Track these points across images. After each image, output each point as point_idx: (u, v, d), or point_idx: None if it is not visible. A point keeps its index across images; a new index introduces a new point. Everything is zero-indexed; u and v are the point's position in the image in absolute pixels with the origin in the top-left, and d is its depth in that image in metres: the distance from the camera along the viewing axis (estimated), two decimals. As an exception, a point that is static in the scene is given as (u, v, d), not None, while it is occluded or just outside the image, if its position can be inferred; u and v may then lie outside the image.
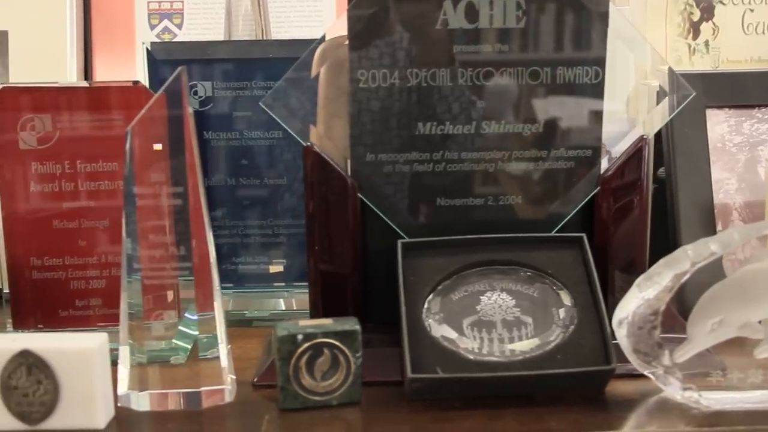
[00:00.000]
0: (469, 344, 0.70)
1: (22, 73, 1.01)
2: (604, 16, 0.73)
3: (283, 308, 0.93)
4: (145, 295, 0.68)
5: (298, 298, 0.93)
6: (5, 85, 0.78)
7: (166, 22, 1.04)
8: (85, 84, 0.79)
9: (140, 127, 0.66)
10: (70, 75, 1.00)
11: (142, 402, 0.68)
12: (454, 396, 0.68)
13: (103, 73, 1.03)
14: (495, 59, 0.73)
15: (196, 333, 0.68)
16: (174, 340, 0.69)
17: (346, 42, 0.73)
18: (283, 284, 0.94)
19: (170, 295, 0.68)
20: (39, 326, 0.81)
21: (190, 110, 0.66)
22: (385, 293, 0.75)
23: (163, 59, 0.87)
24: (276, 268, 0.94)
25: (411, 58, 0.73)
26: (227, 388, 0.69)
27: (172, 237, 0.67)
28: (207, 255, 0.68)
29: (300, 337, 0.66)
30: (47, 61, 1.01)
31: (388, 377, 0.71)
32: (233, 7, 0.93)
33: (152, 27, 1.04)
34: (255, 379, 0.72)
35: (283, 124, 0.74)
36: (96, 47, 1.03)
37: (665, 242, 0.85)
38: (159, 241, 0.67)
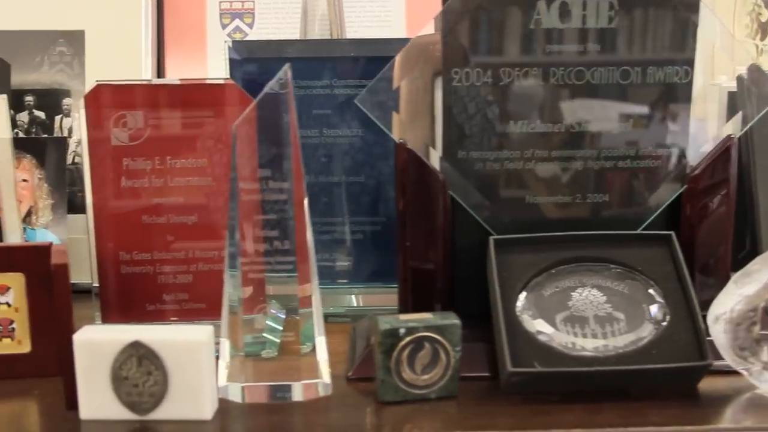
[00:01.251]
0: (563, 339, 0.71)
1: (98, 71, 1.02)
2: (695, 16, 0.74)
3: (355, 305, 0.94)
4: (247, 288, 0.69)
5: (365, 295, 0.94)
6: (99, 83, 0.79)
7: (237, 22, 1.05)
8: (177, 81, 0.80)
9: (246, 124, 0.67)
10: (145, 74, 1.02)
11: (242, 394, 0.69)
12: (550, 390, 0.69)
13: (174, 73, 1.04)
14: (586, 59, 0.74)
15: (295, 327, 0.69)
16: (267, 334, 0.70)
17: (433, 41, 0.75)
18: (346, 281, 0.95)
19: (272, 289, 0.69)
20: (126, 320, 0.82)
21: (293, 108, 0.67)
22: (470, 289, 0.77)
23: (244, 58, 0.88)
24: (341, 264, 0.95)
25: (504, 57, 0.74)
26: (325, 381, 0.70)
27: (276, 231, 0.68)
28: (308, 250, 0.69)
29: (402, 330, 0.67)
30: (122, 59, 1.02)
31: (478, 372, 0.72)
32: (309, 7, 0.94)
33: (224, 26, 1.05)
34: (349, 373, 0.74)
35: (377, 122, 0.75)
36: (168, 46, 1.04)
37: (741, 239, 0.86)
38: (263, 236, 0.68)
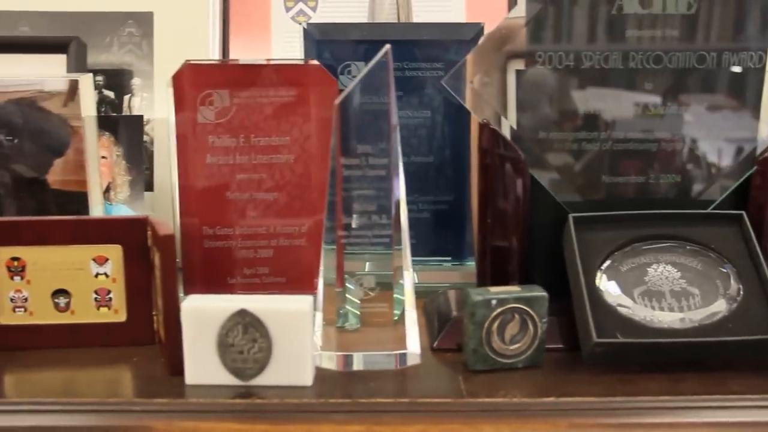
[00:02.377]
0: (642, 312, 0.74)
1: (166, 53, 1.04)
2: (768, 4, 0.77)
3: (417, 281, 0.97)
4: (343, 261, 0.72)
5: (423, 272, 0.97)
6: (188, 62, 0.81)
7: (301, 5, 1.08)
8: (262, 61, 0.82)
9: (346, 102, 0.70)
10: (212, 55, 1.04)
11: (337, 362, 0.72)
12: (632, 360, 0.72)
13: (239, 54, 1.06)
14: (665, 44, 0.77)
15: (388, 299, 0.72)
16: (352, 307, 0.73)
17: (512, 26, 0.77)
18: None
19: (367, 262, 0.72)
20: (208, 293, 0.85)
21: (393, 88, 0.70)
22: (543, 264, 0.80)
23: (320, 39, 0.90)
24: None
25: (586, 41, 0.77)
26: (415, 351, 0.73)
27: (374, 206, 0.71)
28: (403, 225, 0.72)
29: (494, 302, 0.70)
30: (189, 41, 1.04)
31: (553, 344, 0.75)
32: (377, -9, 0.97)
33: (287, 9, 1.07)
34: (435, 344, 0.77)
35: (462, 103, 0.78)
36: (233, 29, 1.07)
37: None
38: (361, 210, 0.71)
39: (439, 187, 0.94)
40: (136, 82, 1.04)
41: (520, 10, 0.76)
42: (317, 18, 1.07)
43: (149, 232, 0.75)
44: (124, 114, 1.01)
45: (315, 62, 0.82)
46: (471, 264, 0.96)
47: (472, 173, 0.85)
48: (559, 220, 0.79)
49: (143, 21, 1.04)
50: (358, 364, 0.72)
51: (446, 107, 0.92)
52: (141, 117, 0.97)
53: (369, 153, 0.70)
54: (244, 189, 0.84)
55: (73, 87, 0.83)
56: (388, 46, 0.69)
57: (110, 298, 0.77)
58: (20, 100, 0.83)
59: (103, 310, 0.77)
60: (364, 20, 1.05)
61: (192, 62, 0.82)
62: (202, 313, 0.68)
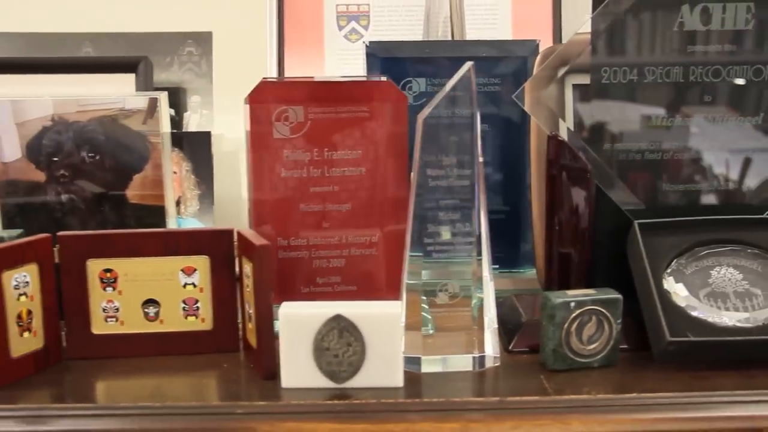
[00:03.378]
0: (709, 312, 0.77)
1: (225, 71, 1.08)
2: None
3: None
4: (427, 269, 0.75)
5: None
6: (264, 79, 0.85)
7: (353, 24, 1.11)
8: (336, 78, 0.86)
9: (431, 116, 0.73)
10: (269, 73, 1.07)
11: (423, 365, 0.75)
12: (701, 358, 0.76)
13: (294, 72, 1.10)
14: (723, 58, 0.81)
15: (470, 304, 0.76)
16: (427, 314, 0.77)
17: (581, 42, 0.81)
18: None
19: (450, 269, 0.75)
20: (281, 302, 0.88)
21: (476, 102, 0.73)
22: (606, 269, 0.84)
23: (382, 57, 0.94)
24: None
25: (649, 56, 0.81)
26: (495, 354, 0.76)
27: (458, 215, 0.74)
28: (484, 234, 0.75)
29: (573, 304, 0.74)
30: (247, 59, 1.08)
31: (621, 344, 0.79)
32: (433, 10, 1.00)
33: (340, 28, 1.11)
34: (510, 346, 0.80)
35: (533, 116, 0.82)
36: (287, 47, 1.10)
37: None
38: (446, 219, 0.74)
39: (496, 199, 0.98)
40: (195, 99, 1.07)
41: (586, 27, 0.80)
42: (369, 36, 1.11)
43: (236, 243, 0.79)
44: (189, 130, 1.04)
45: (386, 79, 0.86)
46: (524, 271, 1.00)
47: (532, 184, 0.90)
48: (620, 227, 0.83)
49: (202, 40, 1.08)
50: (441, 366, 0.75)
51: (503, 121, 0.96)
52: (209, 133, 1.00)
53: (453, 164, 0.74)
54: (317, 201, 0.87)
55: (153, 105, 0.87)
56: (470, 63, 0.73)
57: (197, 307, 0.80)
58: (103, 118, 0.86)
59: (191, 318, 0.80)
60: (416, 38, 1.09)
61: (268, 80, 0.85)
62: (300, 319, 0.71)
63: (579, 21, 1.11)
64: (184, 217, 0.97)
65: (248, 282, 0.76)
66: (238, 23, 1.08)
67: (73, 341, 0.79)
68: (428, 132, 0.73)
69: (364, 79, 0.87)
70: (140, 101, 0.87)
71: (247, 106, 0.85)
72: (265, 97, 0.85)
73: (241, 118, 1.09)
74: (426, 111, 0.73)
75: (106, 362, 0.79)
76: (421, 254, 0.75)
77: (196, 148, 0.97)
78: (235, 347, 0.81)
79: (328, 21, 1.11)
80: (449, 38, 1.02)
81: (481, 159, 0.74)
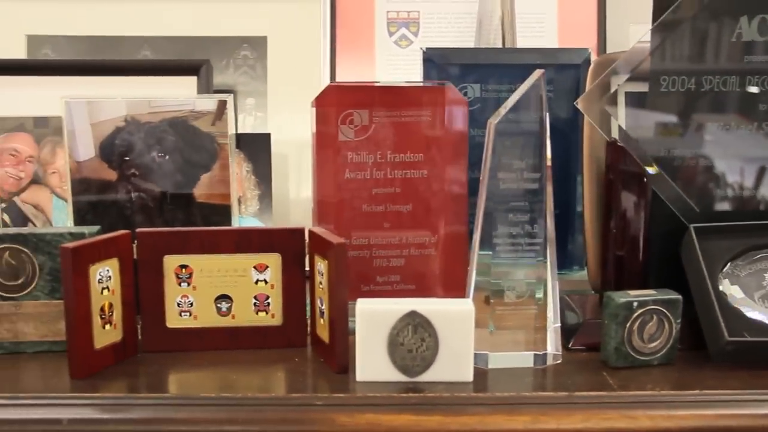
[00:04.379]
0: (764, 313, 0.80)
1: (279, 74, 1.11)
2: None
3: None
4: (496, 268, 0.78)
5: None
6: (331, 83, 0.88)
7: (403, 30, 1.14)
8: (400, 83, 0.89)
9: (502, 122, 0.76)
10: (323, 77, 1.10)
11: (490, 361, 0.78)
12: (756, 358, 0.79)
13: (345, 75, 1.12)
14: (779, 68, 0.84)
15: (535, 303, 0.79)
16: (491, 313, 0.79)
17: (640, 50, 0.84)
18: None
19: (517, 270, 0.78)
20: (342, 299, 0.91)
21: (545, 108, 0.76)
22: (658, 270, 0.87)
23: (440, 63, 0.97)
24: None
25: (707, 65, 0.84)
26: (557, 351, 0.79)
27: (527, 217, 0.77)
28: (551, 236, 0.78)
29: (635, 304, 0.77)
30: (301, 63, 1.10)
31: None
32: (485, 18, 1.03)
33: (390, 34, 1.14)
34: (570, 344, 0.83)
35: (592, 123, 0.84)
36: (339, 52, 1.13)
37: None
38: (515, 221, 0.77)
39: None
40: (249, 102, 1.10)
41: (646, 36, 0.83)
42: (419, 42, 1.14)
43: (307, 241, 0.82)
44: (245, 132, 1.07)
45: (449, 84, 0.89)
46: (571, 272, 1.03)
47: (585, 188, 0.92)
48: (672, 230, 0.86)
49: (257, 44, 1.11)
50: (505, 363, 0.78)
51: (553, 127, 0.98)
52: (268, 135, 1.03)
53: (523, 168, 0.76)
54: (379, 202, 0.90)
55: (222, 107, 0.89)
56: (541, 71, 0.76)
57: (268, 303, 0.83)
58: (173, 119, 0.89)
59: (262, 314, 0.83)
60: (464, 44, 1.12)
61: (335, 84, 0.88)
62: (376, 315, 0.74)
63: (624, 29, 1.14)
64: (244, 216, 1.00)
65: (321, 279, 0.79)
66: (292, 28, 1.11)
67: (148, 334, 0.82)
68: (499, 137, 0.76)
69: (427, 84, 0.90)
70: (209, 103, 0.89)
71: (314, 109, 0.88)
72: (332, 101, 0.88)
73: (294, 121, 1.12)
74: (497, 116, 0.76)
75: (179, 355, 0.81)
76: (489, 254, 0.77)
77: (256, 149, 1.00)
78: (303, 342, 0.84)
79: (378, 27, 1.14)
80: (500, 45, 1.05)
81: (549, 163, 0.77)
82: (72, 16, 1.11)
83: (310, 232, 0.82)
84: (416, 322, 0.74)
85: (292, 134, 1.09)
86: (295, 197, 1.09)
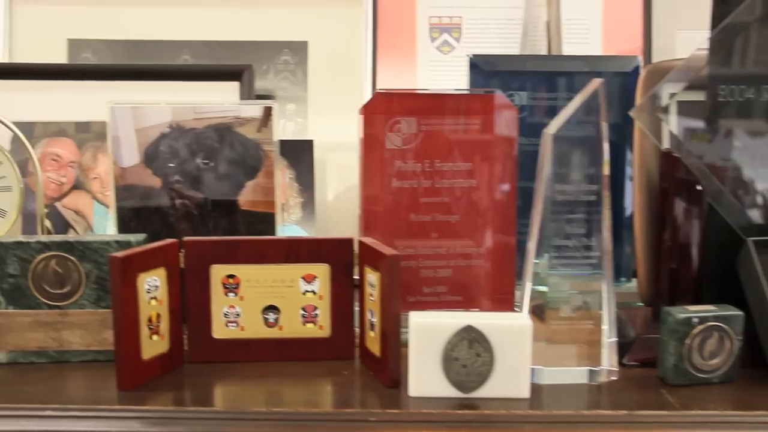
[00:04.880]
0: (825, 331, 0.78)
1: (320, 80, 1.09)
2: None
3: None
4: (552, 282, 0.76)
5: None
6: (378, 90, 0.86)
7: (445, 36, 1.13)
8: (448, 91, 0.87)
9: (560, 132, 0.74)
10: (365, 83, 1.09)
11: (544, 376, 0.76)
12: (819, 376, 0.77)
13: (386, 82, 1.11)
14: (840, 78, 0.82)
15: (592, 317, 0.77)
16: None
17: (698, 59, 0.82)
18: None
19: (574, 281, 0.76)
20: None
21: (604, 117, 0.74)
22: (713, 284, 0.85)
23: (487, 70, 0.95)
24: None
25: (765, 74, 0.82)
26: (614, 367, 0.77)
27: (584, 229, 0.75)
28: (608, 248, 0.76)
29: (695, 320, 0.75)
30: (342, 69, 1.09)
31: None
32: (530, 25, 1.02)
33: (432, 40, 1.13)
34: (624, 359, 0.81)
35: (647, 132, 0.82)
36: (380, 57, 1.12)
37: None
38: (571, 233, 0.75)
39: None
40: (290, 107, 1.09)
41: (704, 45, 0.81)
42: (461, 48, 1.12)
43: (356, 252, 0.80)
44: (293, 139, 1.05)
45: (498, 92, 0.87)
46: (618, 284, 1.00)
47: (635, 199, 0.90)
48: (728, 242, 0.83)
49: (298, 50, 1.09)
50: (560, 378, 0.76)
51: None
52: (311, 142, 1.01)
53: (580, 179, 0.75)
54: (426, 211, 0.88)
55: (267, 113, 0.88)
56: (600, 80, 0.74)
57: (316, 314, 0.81)
58: (218, 126, 0.87)
59: (309, 325, 0.81)
60: (508, 51, 1.10)
61: (382, 91, 0.86)
62: (430, 329, 0.72)
63: (670, 35, 1.12)
64: (286, 224, 0.98)
65: (372, 291, 0.77)
66: (334, 34, 1.10)
67: (194, 345, 0.80)
68: (557, 147, 0.74)
69: (477, 91, 0.88)
70: (255, 109, 0.88)
71: (361, 116, 0.87)
72: (379, 108, 0.87)
73: (335, 127, 1.10)
74: (554, 126, 0.75)
75: (225, 366, 0.80)
76: (544, 267, 0.76)
77: (298, 156, 0.99)
78: (350, 355, 0.82)
79: (420, 32, 1.13)
80: (545, 52, 1.03)
81: (607, 173, 0.75)
82: (112, 20, 1.10)
83: (360, 242, 0.80)
84: (472, 337, 0.72)
85: (333, 140, 1.07)
86: (338, 205, 1.07)
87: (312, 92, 1.09)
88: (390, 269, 0.74)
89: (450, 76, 1.12)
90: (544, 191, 0.75)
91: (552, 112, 0.97)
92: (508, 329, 0.72)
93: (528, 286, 0.77)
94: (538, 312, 0.77)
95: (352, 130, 1.09)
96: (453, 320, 0.72)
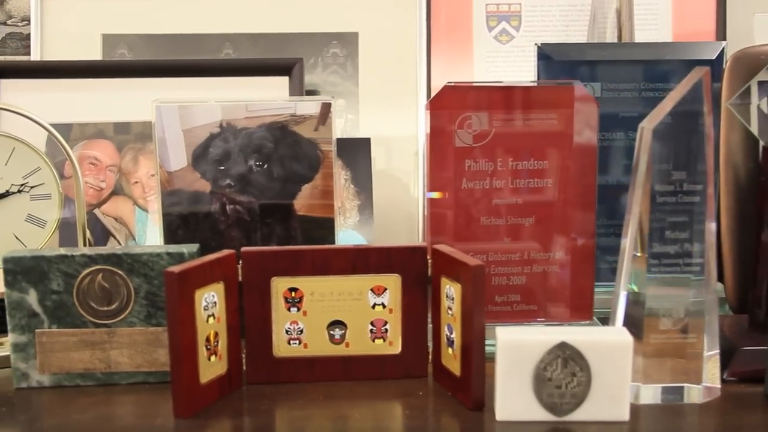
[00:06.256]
0: None
1: (372, 73, 1.02)
2: None
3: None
4: (650, 291, 0.69)
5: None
6: (448, 84, 0.79)
7: (504, 24, 1.05)
8: (524, 83, 0.80)
9: (659, 126, 0.67)
10: (419, 76, 1.02)
11: (641, 394, 0.69)
12: None
13: (440, 74, 1.04)
14: None
15: (695, 329, 0.69)
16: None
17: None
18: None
19: (674, 291, 0.69)
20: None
21: (710, 110, 0.67)
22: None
23: (557, 60, 0.88)
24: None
25: None
26: (716, 384, 0.70)
27: (686, 233, 0.68)
28: (713, 254, 0.69)
29: (812, 332, 0.68)
30: (395, 61, 1.02)
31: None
32: (599, 12, 0.94)
33: (490, 29, 1.05)
34: (725, 375, 0.74)
35: (745, 124, 0.75)
36: (434, 48, 1.04)
37: None
38: (673, 238, 0.68)
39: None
40: (339, 103, 1.02)
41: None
42: (520, 38, 1.05)
43: (429, 261, 0.73)
44: (349, 137, 0.98)
45: (578, 83, 0.80)
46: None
47: (721, 198, 0.83)
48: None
49: (348, 41, 1.02)
50: (660, 397, 0.69)
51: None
52: (368, 140, 0.94)
53: (682, 179, 0.67)
54: (499, 214, 0.81)
55: (326, 110, 0.81)
56: (705, 68, 0.67)
57: (386, 330, 0.74)
58: (272, 125, 0.80)
59: (378, 342, 0.74)
60: (570, 39, 1.03)
61: (451, 84, 0.79)
62: (520, 347, 0.65)
63: (747, 19, 1.04)
64: (342, 229, 0.91)
65: (451, 304, 0.70)
66: (386, 24, 1.02)
67: (253, 364, 0.74)
68: (656, 143, 0.67)
69: (554, 83, 0.81)
70: (312, 107, 0.81)
71: (428, 111, 0.80)
72: (448, 103, 0.80)
73: (388, 123, 1.03)
74: (653, 120, 0.67)
75: (287, 387, 0.73)
76: (641, 275, 0.69)
77: (354, 155, 0.92)
78: (423, 372, 0.75)
79: (477, 21, 1.05)
80: (616, 40, 0.95)
81: (711, 171, 0.68)
82: (148, 13, 1.03)
83: (434, 250, 0.73)
84: (566, 355, 0.65)
85: (387, 137, 1.00)
86: (395, 207, 1.00)
87: (363, 86, 1.02)
88: (474, 281, 0.67)
89: (508, 67, 1.04)
90: (639, 193, 0.68)
91: (630, 103, 0.90)
92: (607, 345, 0.65)
93: (623, 296, 0.70)
94: (634, 324, 0.69)
95: (407, 126, 1.03)
96: (545, 336, 0.65)
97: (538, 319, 0.83)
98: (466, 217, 0.81)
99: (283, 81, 0.95)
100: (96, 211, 0.96)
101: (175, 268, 0.65)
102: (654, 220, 0.68)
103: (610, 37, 0.95)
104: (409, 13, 1.03)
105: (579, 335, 0.65)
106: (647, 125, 0.67)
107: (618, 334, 0.66)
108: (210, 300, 0.69)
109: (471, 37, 1.05)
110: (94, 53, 1.02)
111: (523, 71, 1.04)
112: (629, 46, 0.93)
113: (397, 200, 0.99)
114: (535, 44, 0.88)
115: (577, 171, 0.81)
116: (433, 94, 1.03)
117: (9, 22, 1.07)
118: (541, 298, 0.83)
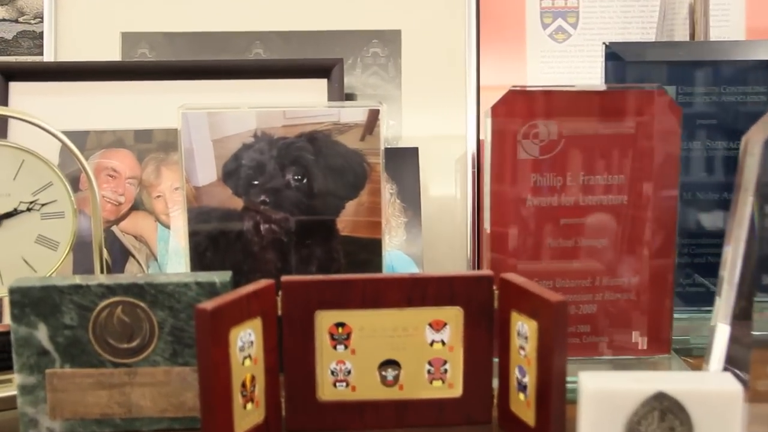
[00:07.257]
0: None
1: (416, 75, 0.93)
2: None
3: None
4: (759, 324, 0.59)
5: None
6: (513, 87, 0.70)
7: (560, 21, 0.96)
8: (599, 87, 0.71)
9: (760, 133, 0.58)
10: (469, 78, 0.92)
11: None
12: None
13: (490, 74, 0.95)
14: None
15: None
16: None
17: None
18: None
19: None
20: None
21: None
22: None
23: (628, 61, 0.79)
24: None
25: None
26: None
27: (800, 263, 0.59)
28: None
29: None
30: (442, 62, 0.93)
31: None
32: (669, 8, 0.85)
33: (545, 26, 0.96)
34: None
35: None
36: (483, 48, 0.95)
37: None
38: (784, 268, 0.59)
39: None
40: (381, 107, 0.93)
41: None
42: (578, 35, 0.95)
43: (496, 291, 0.64)
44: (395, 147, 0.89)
45: (660, 87, 0.70)
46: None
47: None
48: None
49: (390, 40, 0.93)
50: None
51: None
52: (416, 149, 0.85)
53: (797, 198, 0.58)
54: (568, 235, 0.72)
55: (373, 118, 0.72)
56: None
57: (445, 370, 0.65)
58: (313, 134, 0.71)
59: (437, 383, 0.65)
60: (630, 38, 0.94)
61: (516, 89, 0.70)
62: (611, 396, 0.56)
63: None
64: (388, 249, 0.82)
65: (524, 344, 0.61)
66: (431, 21, 0.93)
67: (294, 410, 0.64)
68: (766, 156, 0.58)
69: (633, 88, 0.71)
70: (358, 114, 0.72)
71: (489, 119, 0.70)
72: (512, 110, 0.70)
73: (434, 129, 0.96)
74: (762, 131, 0.58)
75: (333, 436, 0.64)
76: (749, 310, 0.59)
77: (400, 167, 0.82)
78: (487, 418, 0.66)
79: (530, 18, 0.96)
80: (688, 39, 0.86)
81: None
82: (172, 9, 0.94)
83: (504, 280, 0.63)
84: (665, 407, 0.56)
85: (433, 145, 0.90)
86: (445, 226, 0.90)
87: (406, 89, 0.93)
88: (557, 319, 0.57)
89: (566, 69, 0.95)
90: (747, 214, 0.59)
91: (709, 108, 0.80)
92: (713, 396, 0.55)
93: (725, 332, 0.60)
94: (738, 365, 0.60)
95: (454, 133, 0.93)
96: (639, 385, 0.56)
97: (607, 355, 0.74)
98: (530, 237, 0.72)
99: (319, 84, 0.86)
100: (114, 228, 0.87)
101: (208, 305, 0.56)
102: (759, 246, 0.58)
103: (680, 35, 0.85)
104: (456, 9, 0.94)
105: (678, 383, 0.56)
106: (756, 136, 0.58)
107: (723, 382, 0.56)
108: (246, 339, 0.60)
109: (524, 35, 0.95)
110: (112, 53, 0.93)
111: (581, 73, 0.94)
112: (711, 46, 0.83)
113: (446, 216, 0.90)
114: (603, 43, 0.79)
115: (658, 187, 0.71)
116: (482, 98, 0.94)
117: (21, 19, 0.98)
118: (614, 330, 0.74)
